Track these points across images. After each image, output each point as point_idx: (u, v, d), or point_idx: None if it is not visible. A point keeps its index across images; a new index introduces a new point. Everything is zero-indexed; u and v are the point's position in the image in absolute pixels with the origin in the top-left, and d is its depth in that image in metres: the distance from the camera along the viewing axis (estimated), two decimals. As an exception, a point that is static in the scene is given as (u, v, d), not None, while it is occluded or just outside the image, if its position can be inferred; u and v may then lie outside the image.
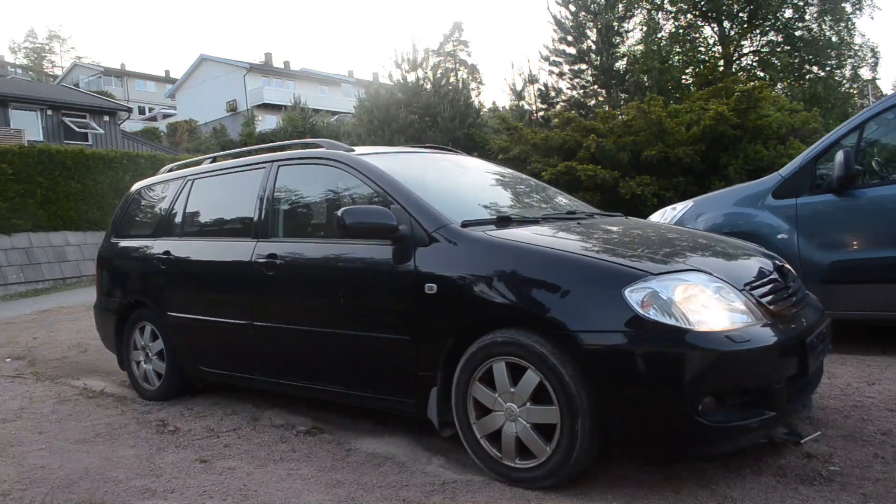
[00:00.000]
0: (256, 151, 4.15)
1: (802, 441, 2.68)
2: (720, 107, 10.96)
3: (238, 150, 4.48)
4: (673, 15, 23.22)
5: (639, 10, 22.20)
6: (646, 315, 2.27)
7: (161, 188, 4.57)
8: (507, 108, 19.99)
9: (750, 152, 10.94)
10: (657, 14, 23.03)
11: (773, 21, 22.64)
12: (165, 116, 46.08)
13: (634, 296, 2.30)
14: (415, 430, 3.24)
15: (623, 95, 18.23)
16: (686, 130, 11.25)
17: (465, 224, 2.82)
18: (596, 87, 19.26)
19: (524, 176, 4.16)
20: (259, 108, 39.80)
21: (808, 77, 22.57)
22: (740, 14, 22.49)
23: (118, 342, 4.53)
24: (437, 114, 17.49)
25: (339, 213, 2.88)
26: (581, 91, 19.37)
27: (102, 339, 4.85)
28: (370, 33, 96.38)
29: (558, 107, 18.63)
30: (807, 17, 22.82)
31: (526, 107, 18.87)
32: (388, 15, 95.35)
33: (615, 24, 19.28)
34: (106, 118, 24.75)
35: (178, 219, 4.24)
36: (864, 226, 4.09)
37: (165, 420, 3.76)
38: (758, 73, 22.20)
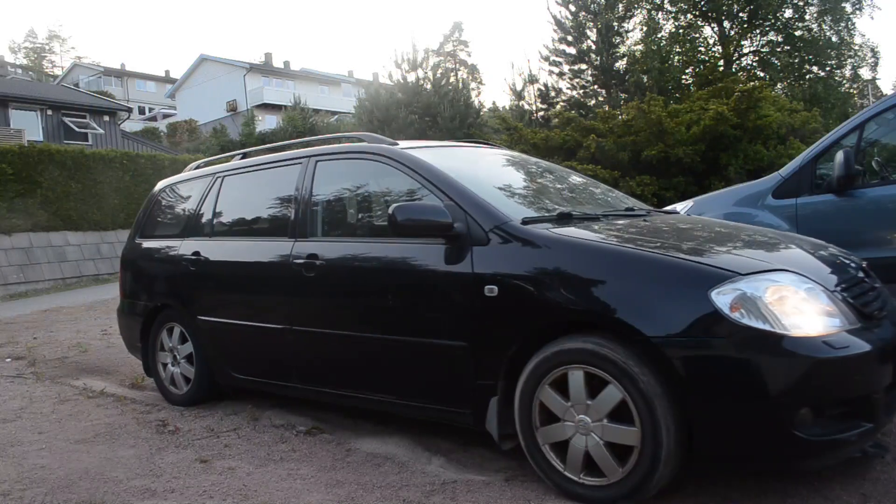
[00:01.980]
0: (291, 147, 4.00)
1: (886, 455, 2.53)
2: (720, 107, 10.96)
3: (270, 145, 4.28)
4: (673, 15, 23.25)
5: (639, 10, 22.25)
6: (736, 319, 2.08)
7: (188, 186, 4.37)
8: (507, 108, 20.04)
9: (750, 152, 10.94)
10: (657, 14, 23.07)
11: (773, 21, 22.65)
12: (165, 116, 46.09)
13: (722, 298, 2.12)
14: (415, 430, 3.24)
15: (623, 95, 18.23)
16: (686, 130, 11.25)
17: (525, 221, 2.63)
18: (596, 87, 19.27)
19: (570, 171, 3.96)
20: (259, 108, 39.81)
21: (808, 77, 22.58)
22: (740, 14, 22.50)
23: (144, 346, 4.33)
24: (437, 114, 17.52)
25: (391, 209, 2.69)
26: (581, 91, 19.39)
27: (126, 345, 4.67)
28: (370, 33, 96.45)
29: (558, 107, 18.66)
30: (807, 17, 22.85)
31: (526, 107, 18.91)
32: (388, 15, 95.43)
33: (615, 24, 19.29)
34: (106, 118, 24.75)
35: (208, 218, 4.04)
36: (865, 226, 4.08)
37: (165, 420, 3.76)
38: (758, 73, 22.21)
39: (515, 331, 2.50)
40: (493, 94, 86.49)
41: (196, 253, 3.94)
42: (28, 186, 13.12)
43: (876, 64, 25.14)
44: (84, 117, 23.82)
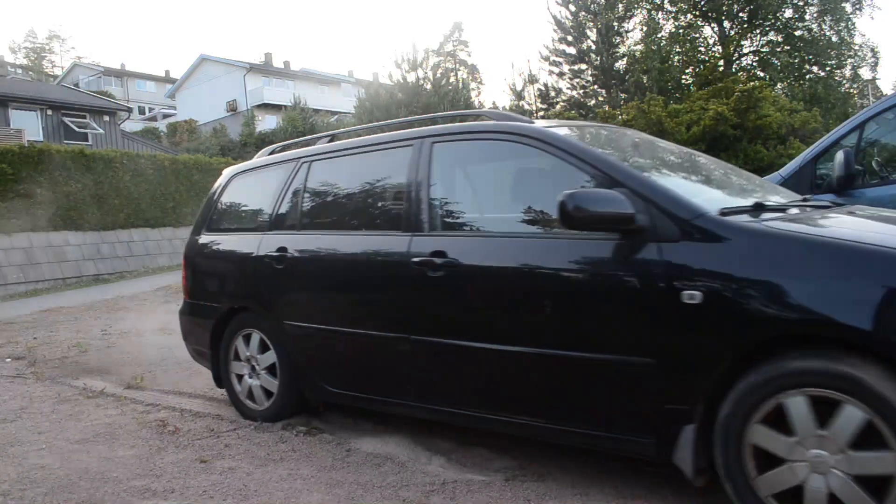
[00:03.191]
0: (396, 126, 3.53)
1: None
2: (720, 107, 11.01)
3: (365, 125, 3.64)
4: (673, 15, 23.31)
5: (639, 10, 22.29)
6: None
7: (265, 173, 3.90)
8: (508, 108, 20.04)
9: (750, 152, 10.98)
10: (657, 14, 23.12)
11: (773, 21, 22.71)
12: (165, 116, 46.09)
13: None
14: (415, 430, 3.24)
15: (623, 95, 18.27)
16: (686, 130, 11.28)
17: (724, 212, 2.20)
18: (596, 87, 19.32)
19: (707, 156, 3.55)
20: (259, 108, 39.79)
21: (808, 77, 22.65)
22: (740, 14, 22.56)
23: (214, 354, 3.88)
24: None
25: (561, 197, 2.27)
26: (581, 91, 19.44)
27: (191, 351, 4.20)
28: (370, 33, 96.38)
29: (558, 107, 18.70)
30: (807, 17, 22.92)
31: (526, 107, 18.95)
32: (388, 15, 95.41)
33: (615, 24, 19.35)
34: (106, 118, 24.75)
35: (294, 209, 3.55)
36: (864, 226, 4.08)
37: (165, 420, 3.75)
38: (758, 73, 22.25)
39: (725, 346, 2.08)
40: (493, 94, 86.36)
41: (282, 249, 3.46)
42: (28, 186, 13.12)
43: (876, 64, 25.28)
44: (84, 117, 23.83)
